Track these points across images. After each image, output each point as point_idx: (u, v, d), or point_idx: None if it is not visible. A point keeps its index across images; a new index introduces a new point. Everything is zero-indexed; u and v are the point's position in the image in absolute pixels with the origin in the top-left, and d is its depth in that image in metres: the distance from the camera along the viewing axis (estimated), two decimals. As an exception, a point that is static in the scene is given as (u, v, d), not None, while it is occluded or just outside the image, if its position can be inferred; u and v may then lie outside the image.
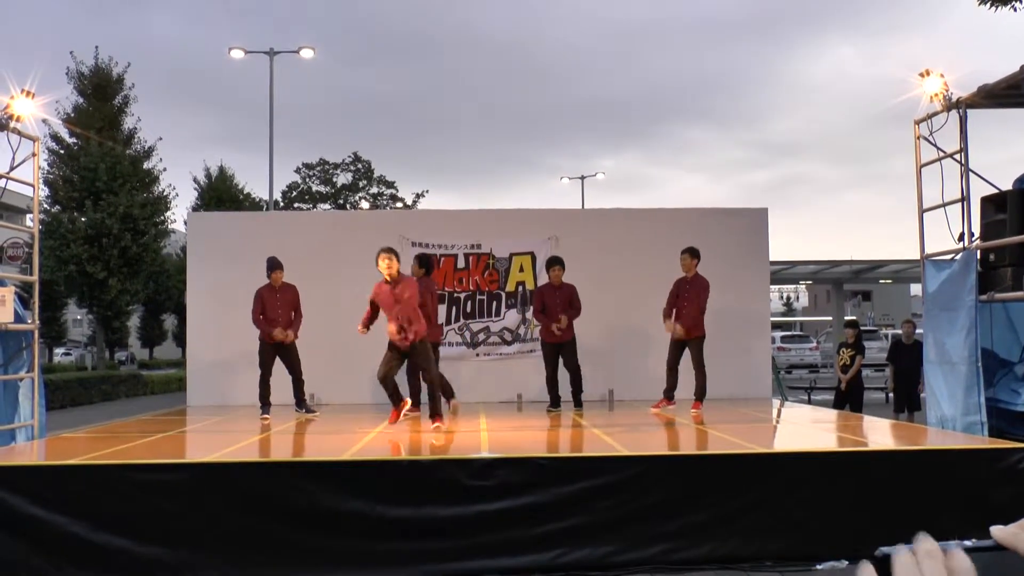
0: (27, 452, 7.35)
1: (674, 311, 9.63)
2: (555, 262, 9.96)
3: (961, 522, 5.52)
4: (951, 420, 7.94)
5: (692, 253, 9.67)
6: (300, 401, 9.64)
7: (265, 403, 9.38)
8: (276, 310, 9.46)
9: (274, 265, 9.56)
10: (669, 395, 9.71)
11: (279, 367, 9.53)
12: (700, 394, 9.46)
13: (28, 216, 34.69)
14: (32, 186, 8.53)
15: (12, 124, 7.81)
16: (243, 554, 5.65)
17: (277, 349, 9.48)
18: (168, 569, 5.59)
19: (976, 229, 8.12)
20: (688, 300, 9.54)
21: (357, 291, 10.28)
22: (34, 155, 8.28)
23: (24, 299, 8.90)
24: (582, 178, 43.05)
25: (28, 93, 7.87)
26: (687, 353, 9.59)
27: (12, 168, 8.01)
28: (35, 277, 8.74)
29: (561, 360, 9.84)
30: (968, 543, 0.72)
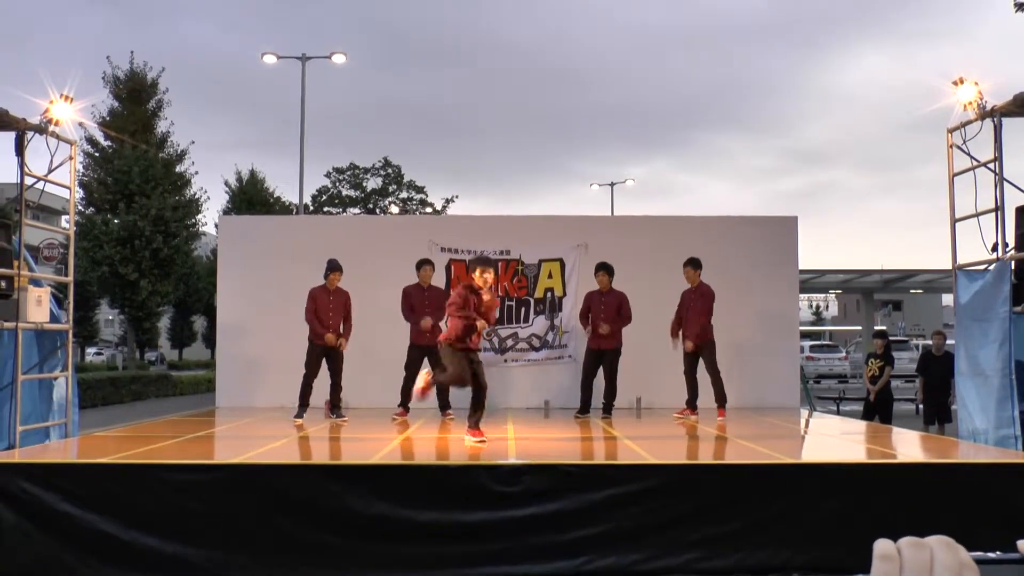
0: (61, 450, 7.46)
1: (682, 321, 9.71)
2: (599, 268, 10.04)
3: (992, 537, 5.46)
4: (983, 433, 7.84)
5: (693, 264, 9.75)
6: (335, 405, 9.65)
7: (303, 405, 9.39)
8: (328, 312, 9.47)
9: (334, 267, 9.54)
10: (691, 404, 9.75)
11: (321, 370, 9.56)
12: (721, 400, 9.47)
13: (64, 217, 35.18)
14: (68, 188, 8.67)
15: (51, 128, 7.95)
16: (271, 555, 5.69)
17: (325, 352, 9.51)
18: (196, 569, 5.65)
19: (1010, 240, 8.01)
20: (693, 311, 9.60)
21: (386, 295, 10.35)
22: (71, 158, 8.42)
23: (59, 299, 9.04)
24: (611, 185, 43.01)
25: (67, 98, 8.01)
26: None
27: (50, 171, 8.15)
28: (70, 278, 8.86)
29: (600, 367, 9.92)
30: (993, 555, 0.74)
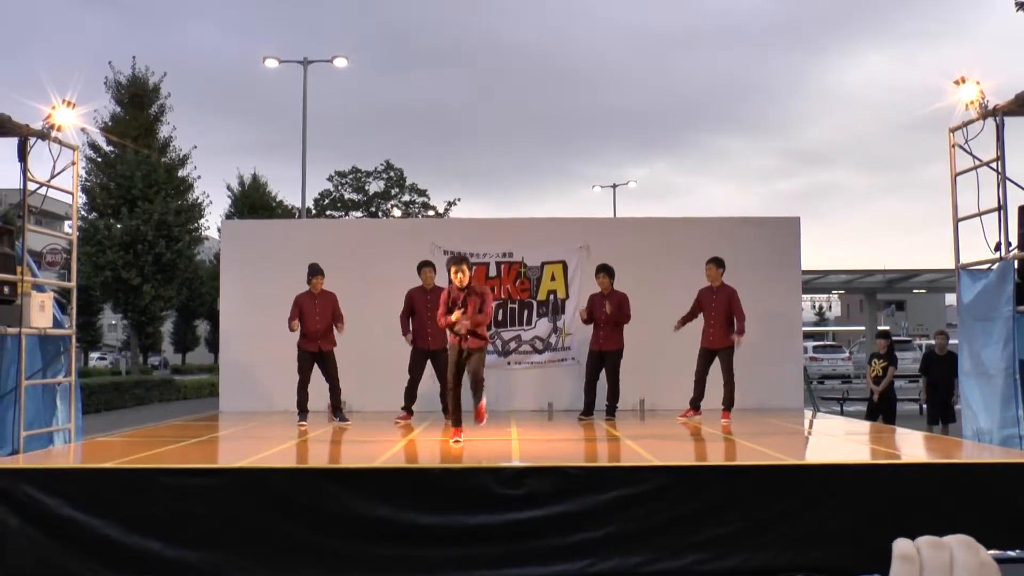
0: (64, 455, 7.47)
1: (702, 324, 9.65)
2: (600, 270, 10.04)
3: (997, 538, 5.44)
4: (987, 433, 7.83)
5: (718, 263, 9.66)
6: (336, 409, 9.62)
7: (302, 410, 9.37)
8: (314, 317, 9.44)
9: (315, 271, 9.51)
10: (695, 405, 9.71)
11: (316, 375, 9.56)
12: (729, 404, 9.44)
13: (67, 223, 35.23)
14: (71, 193, 8.68)
15: (53, 133, 7.95)
16: (274, 559, 5.69)
17: (315, 357, 9.48)
18: (200, 572, 5.65)
19: (1013, 239, 8.00)
20: (716, 310, 9.52)
21: (389, 298, 10.34)
22: (74, 164, 8.43)
23: (62, 304, 9.05)
24: (614, 186, 43.02)
25: (69, 103, 8.02)
26: (715, 365, 9.58)
27: (53, 176, 8.16)
28: (73, 283, 8.87)
29: (603, 369, 9.93)
30: (1013, 553, 0.73)
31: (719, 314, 9.51)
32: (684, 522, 5.75)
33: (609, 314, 9.80)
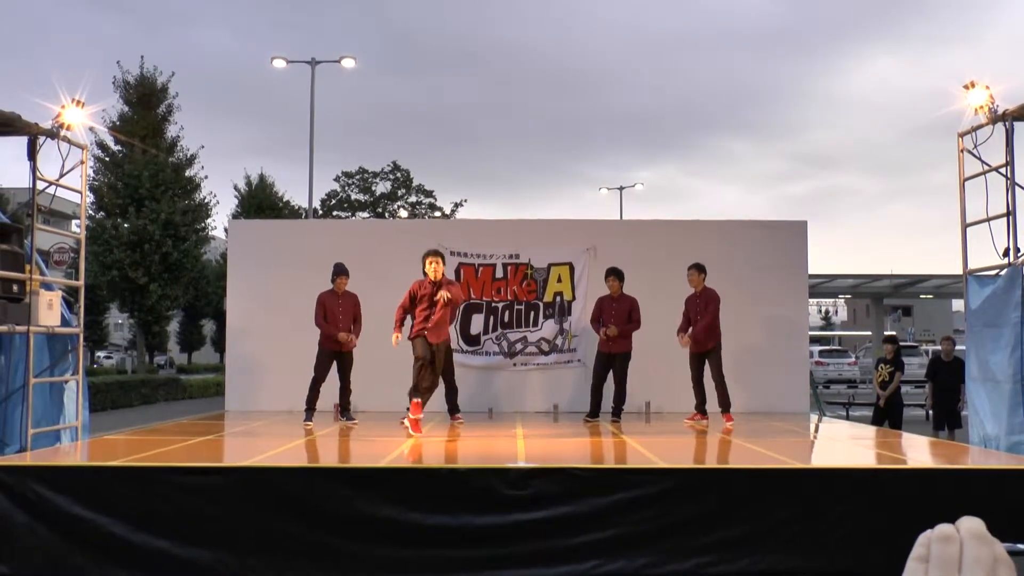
0: (71, 453, 7.49)
1: (689, 327, 9.70)
2: (610, 273, 10.08)
3: (1004, 541, 5.42)
4: (994, 439, 7.81)
5: (698, 268, 9.75)
6: (345, 408, 9.66)
7: (311, 408, 9.42)
8: (337, 316, 9.51)
9: (340, 271, 9.59)
10: (700, 410, 9.73)
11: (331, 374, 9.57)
12: (725, 405, 9.44)
13: (74, 222, 35.33)
14: (80, 193, 8.70)
15: (62, 133, 7.97)
16: (280, 558, 5.70)
17: (335, 356, 9.53)
18: (206, 571, 5.66)
19: (1022, 244, 7.98)
20: (699, 314, 9.58)
21: (395, 299, 10.34)
22: (82, 163, 8.45)
23: (70, 303, 9.07)
24: (620, 189, 42.98)
25: (78, 103, 8.04)
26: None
27: (62, 175, 8.17)
28: (80, 282, 8.89)
29: (611, 371, 9.93)
30: (1021, 546, 0.73)
31: (703, 318, 9.57)
32: (690, 525, 5.74)
33: (621, 324, 9.83)
